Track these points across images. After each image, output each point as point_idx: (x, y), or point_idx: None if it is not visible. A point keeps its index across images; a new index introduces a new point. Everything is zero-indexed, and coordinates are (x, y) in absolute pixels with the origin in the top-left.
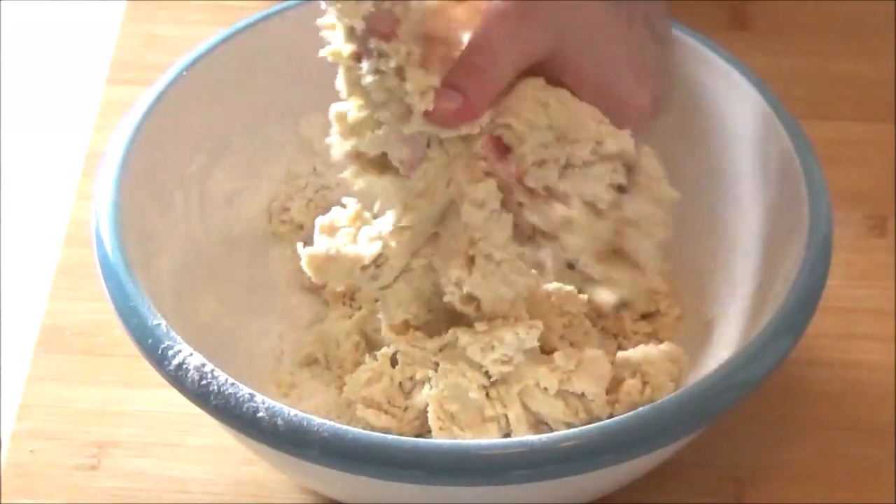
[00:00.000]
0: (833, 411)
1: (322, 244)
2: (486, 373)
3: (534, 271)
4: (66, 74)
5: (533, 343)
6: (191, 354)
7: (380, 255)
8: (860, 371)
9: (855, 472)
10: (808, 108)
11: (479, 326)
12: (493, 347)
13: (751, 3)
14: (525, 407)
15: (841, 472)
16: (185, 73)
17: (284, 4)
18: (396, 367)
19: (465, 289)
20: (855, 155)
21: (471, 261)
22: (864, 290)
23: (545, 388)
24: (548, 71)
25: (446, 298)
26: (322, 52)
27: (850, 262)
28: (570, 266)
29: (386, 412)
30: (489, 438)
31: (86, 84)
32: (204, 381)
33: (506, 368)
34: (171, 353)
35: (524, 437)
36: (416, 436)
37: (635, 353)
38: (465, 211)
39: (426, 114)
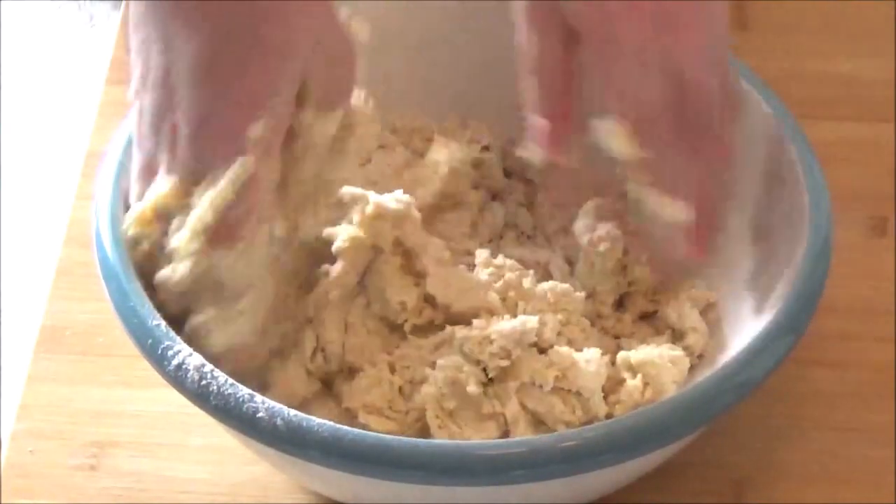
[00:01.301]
0: (833, 411)
1: None
2: (484, 369)
3: (531, 271)
4: (66, 74)
5: (531, 337)
6: (190, 354)
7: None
8: (860, 371)
9: (855, 472)
10: (808, 108)
11: (476, 322)
12: (491, 341)
13: (751, 3)
14: (523, 405)
15: (841, 472)
16: None
17: None
18: (395, 372)
19: (411, 302)
20: (855, 155)
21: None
22: (864, 290)
23: (540, 386)
24: None
25: (401, 321)
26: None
27: (850, 262)
28: (570, 265)
29: (387, 417)
30: (488, 437)
31: (86, 84)
32: (204, 382)
33: (503, 363)
34: (170, 353)
35: (524, 437)
36: (418, 438)
37: (637, 353)
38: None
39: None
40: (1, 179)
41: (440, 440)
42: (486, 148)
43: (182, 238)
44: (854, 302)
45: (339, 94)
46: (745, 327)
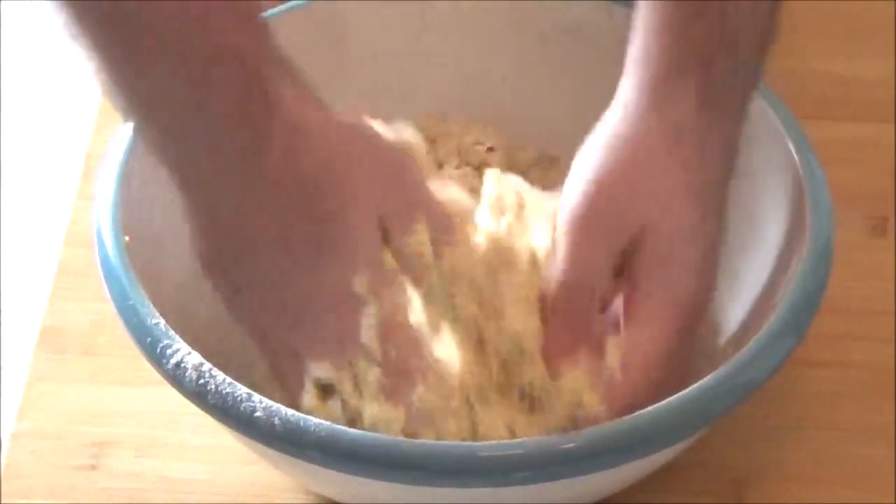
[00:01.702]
0: (833, 411)
1: None
2: None
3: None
4: (66, 75)
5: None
6: (189, 353)
7: None
8: (860, 371)
9: (855, 472)
10: (808, 108)
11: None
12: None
13: None
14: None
15: (841, 472)
16: None
17: (286, 5)
18: None
19: None
20: (855, 155)
21: None
22: (864, 290)
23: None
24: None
25: None
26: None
27: (850, 262)
28: None
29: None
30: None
31: (86, 84)
32: (202, 381)
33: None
34: (169, 351)
35: (524, 439)
36: None
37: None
38: None
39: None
40: (1, 179)
41: (440, 441)
42: (490, 149)
43: (371, 411)
44: (854, 302)
45: (410, 213)
46: (746, 328)
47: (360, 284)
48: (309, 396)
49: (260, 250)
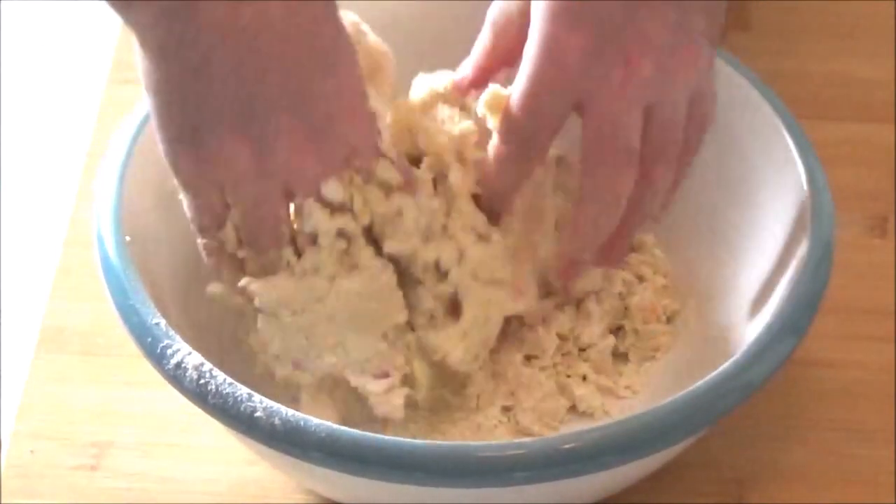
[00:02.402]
0: (833, 411)
1: None
2: None
3: None
4: (66, 74)
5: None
6: (189, 353)
7: None
8: (860, 371)
9: (855, 472)
10: (808, 108)
11: None
12: None
13: (752, 4)
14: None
15: (841, 472)
16: None
17: None
18: None
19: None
20: (855, 155)
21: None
22: (864, 290)
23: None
24: None
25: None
26: None
27: (850, 262)
28: None
29: None
30: None
31: (86, 84)
32: (202, 381)
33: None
34: (169, 351)
35: (524, 439)
36: None
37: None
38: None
39: None
40: (1, 179)
41: (439, 442)
42: None
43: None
44: (854, 302)
45: None
46: (747, 328)
47: (371, 96)
48: (320, 213)
49: (272, 69)
